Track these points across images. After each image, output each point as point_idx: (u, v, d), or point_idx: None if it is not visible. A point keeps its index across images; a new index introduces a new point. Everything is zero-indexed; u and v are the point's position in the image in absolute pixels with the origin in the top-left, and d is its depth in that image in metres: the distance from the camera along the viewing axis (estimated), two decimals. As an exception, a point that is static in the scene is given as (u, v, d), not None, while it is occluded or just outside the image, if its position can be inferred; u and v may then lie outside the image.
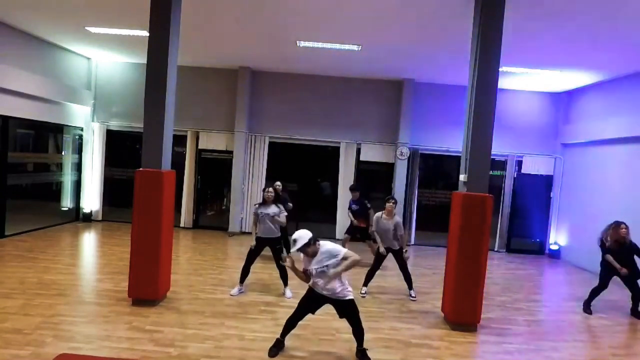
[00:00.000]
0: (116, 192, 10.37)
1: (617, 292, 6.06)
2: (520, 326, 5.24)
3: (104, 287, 5.58)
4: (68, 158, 9.84)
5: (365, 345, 4.07)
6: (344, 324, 4.14)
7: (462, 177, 5.06)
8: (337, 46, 7.25)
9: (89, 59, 9.86)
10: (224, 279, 6.26)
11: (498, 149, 8.04)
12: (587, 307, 5.92)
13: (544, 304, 6.38)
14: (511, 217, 9.95)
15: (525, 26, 5.68)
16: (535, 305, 6.18)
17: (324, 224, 10.13)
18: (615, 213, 6.45)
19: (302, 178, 10.42)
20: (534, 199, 10.00)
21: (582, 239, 8.41)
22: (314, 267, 3.90)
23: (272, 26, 6.56)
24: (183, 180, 9.87)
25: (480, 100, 4.85)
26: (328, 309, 4.08)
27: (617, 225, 5.76)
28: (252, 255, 5.67)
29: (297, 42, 7.19)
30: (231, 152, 9.86)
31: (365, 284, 6.05)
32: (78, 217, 9.94)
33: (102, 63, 10.04)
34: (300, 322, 4.15)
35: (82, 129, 9.92)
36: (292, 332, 4.17)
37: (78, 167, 9.94)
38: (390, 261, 6.26)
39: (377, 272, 6.14)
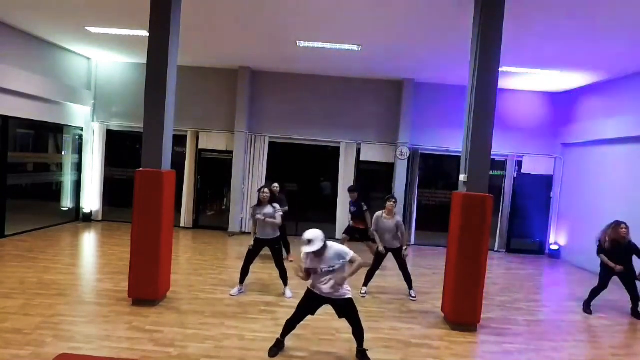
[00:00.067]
0: (116, 192, 10.37)
1: (617, 292, 6.06)
2: (520, 326, 5.24)
3: (104, 287, 5.58)
4: (68, 158, 9.84)
5: (365, 346, 4.07)
6: (344, 324, 4.14)
7: (462, 177, 5.06)
8: (337, 46, 7.25)
9: (89, 59, 9.86)
10: (224, 279, 6.26)
11: (498, 149, 8.04)
12: (587, 307, 5.92)
13: (544, 304, 6.38)
14: (511, 217, 9.95)
15: (525, 26, 5.68)
16: (535, 305, 6.18)
17: (323, 224, 10.11)
18: (615, 213, 6.45)
19: (302, 178, 10.41)
20: (534, 199, 10.01)
21: (582, 239, 8.41)
22: (321, 266, 3.88)
23: (272, 26, 6.56)
24: (183, 180, 9.87)
25: (480, 100, 4.85)
26: (328, 309, 4.08)
27: (617, 225, 5.76)
28: (251, 256, 5.67)
29: (297, 42, 7.19)
30: (231, 152, 9.86)
31: (365, 284, 6.05)
32: (78, 217, 9.94)
33: (102, 63, 10.04)
34: (300, 323, 4.15)
35: (82, 129, 9.92)
36: (292, 332, 4.16)
37: (78, 167, 9.94)
38: (390, 261, 6.26)
39: (377, 272, 6.14)
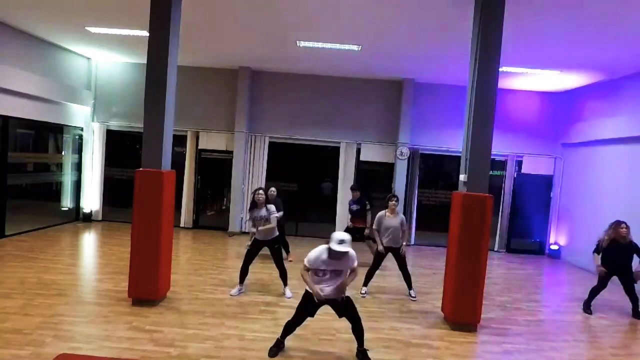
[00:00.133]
0: (116, 192, 10.37)
1: (617, 292, 6.05)
2: (520, 326, 5.24)
3: (104, 287, 5.58)
4: (68, 158, 9.84)
5: (365, 346, 4.07)
6: (344, 324, 4.15)
7: (462, 177, 5.06)
8: (337, 46, 7.25)
9: (89, 59, 9.86)
10: (224, 279, 6.26)
11: (498, 149, 8.05)
12: (587, 307, 5.92)
13: (544, 304, 6.38)
14: (511, 217, 9.95)
15: (525, 26, 5.69)
16: (535, 305, 6.18)
17: (323, 224, 10.12)
18: (615, 213, 6.45)
19: (302, 178, 10.41)
20: (534, 199, 10.01)
21: (582, 239, 8.41)
22: (337, 269, 3.89)
23: (272, 26, 6.56)
24: (183, 180, 9.87)
25: (480, 100, 4.85)
26: (328, 309, 4.08)
27: (617, 224, 5.76)
28: (250, 256, 5.67)
29: (297, 42, 7.19)
30: (231, 152, 9.86)
31: (365, 284, 6.05)
32: (78, 217, 9.94)
33: (102, 63, 10.04)
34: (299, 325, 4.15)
35: (82, 129, 9.92)
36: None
37: (78, 167, 9.94)
38: (390, 261, 6.26)
39: (377, 272, 6.14)
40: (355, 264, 3.97)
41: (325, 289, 3.92)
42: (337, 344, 4.37)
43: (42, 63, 8.44)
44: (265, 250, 5.81)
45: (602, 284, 5.88)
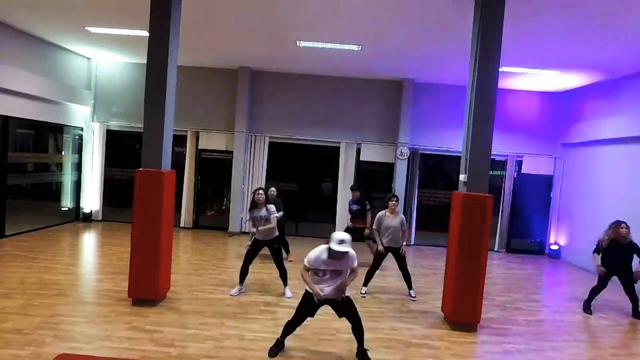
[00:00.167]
0: (116, 192, 10.37)
1: (617, 292, 6.05)
2: (520, 326, 5.24)
3: (104, 287, 5.58)
4: (68, 158, 9.84)
5: (365, 346, 4.07)
6: (344, 324, 4.15)
7: (462, 177, 5.06)
8: (337, 46, 7.25)
9: (89, 59, 9.86)
10: (224, 279, 6.26)
11: (498, 149, 8.05)
12: (587, 307, 5.92)
13: (544, 304, 6.38)
14: (511, 217, 9.95)
15: (525, 26, 5.69)
16: (535, 305, 6.18)
17: (323, 224, 10.12)
18: (615, 213, 6.45)
19: (302, 178, 10.41)
20: (534, 199, 10.01)
21: (582, 239, 8.41)
22: (337, 268, 3.90)
23: (272, 26, 6.56)
24: (183, 180, 9.87)
25: (480, 100, 4.85)
26: (327, 309, 4.08)
27: (617, 224, 5.76)
28: (250, 256, 5.67)
29: (297, 42, 7.19)
30: (231, 152, 9.86)
31: (365, 284, 6.05)
32: (78, 217, 9.94)
33: (102, 63, 10.04)
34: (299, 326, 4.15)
35: (82, 129, 9.92)
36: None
37: (78, 167, 9.94)
38: (390, 261, 6.26)
39: (377, 272, 6.14)
40: (355, 264, 3.97)
41: (325, 289, 3.92)
42: (337, 344, 4.37)
43: (42, 63, 8.44)
44: (265, 250, 5.81)
45: (602, 284, 5.88)
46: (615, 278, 5.84)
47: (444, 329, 4.99)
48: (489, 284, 5.93)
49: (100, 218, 10.04)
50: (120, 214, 10.02)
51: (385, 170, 10.09)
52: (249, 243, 5.69)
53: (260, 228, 5.54)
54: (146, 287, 4.96)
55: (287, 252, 7.55)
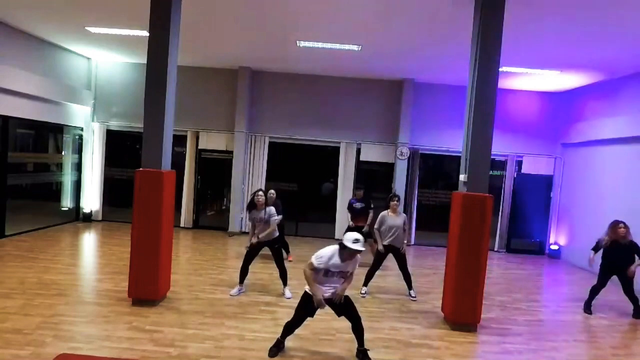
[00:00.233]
0: (116, 192, 10.37)
1: (617, 292, 6.04)
2: (520, 326, 5.24)
3: (104, 287, 5.58)
4: (68, 158, 9.84)
5: (365, 346, 4.07)
6: (344, 324, 4.15)
7: (462, 177, 5.06)
8: (337, 46, 7.25)
9: (89, 59, 9.86)
10: (224, 279, 6.26)
11: (498, 149, 8.06)
12: (587, 307, 5.91)
13: (544, 304, 6.38)
14: (511, 217, 9.95)
15: (525, 26, 5.69)
16: (535, 305, 6.19)
17: (323, 224, 10.13)
18: (615, 213, 6.44)
19: (302, 178, 10.41)
20: (534, 199, 10.01)
21: (582, 239, 8.41)
22: (340, 270, 3.91)
23: (272, 26, 6.56)
24: (183, 180, 9.87)
25: (480, 100, 4.85)
26: (327, 309, 4.07)
27: (615, 224, 5.76)
28: (250, 256, 5.68)
29: (297, 42, 7.19)
30: (231, 152, 9.86)
31: (365, 284, 6.06)
32: (78, 217, 9.94)
33: (102, 63, 10.04)
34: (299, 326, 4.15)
35: (82, 129, 9.92)
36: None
37: (78, 167, 9.94)
38: (390, 261, 6.27)
39: (377, 272, 6.14)
40: (356, 267, 4.03)
41: (328, 290, 3.93)
42: (337, 344, 4.37)
43: (42, 63, 8.44)
44: (265, 250, 5.81)
45: (601, 283, 5.88)
46: (614, 278, 5.84)
47: (444, 329, 4.99)
48: (489, 284, 5.92)
49: (100, 218, 10.04)
50: (120, 214, 10.02)
51: (385, 170, 10.09)
52: (248, 246, 5.68)
53: (261, 235, 5.56)
54: (146, 287, 4.96)
55: (287, 252, 7.54)
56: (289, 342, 4.19)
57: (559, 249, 9.61)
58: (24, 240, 7.74)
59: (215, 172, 10.49)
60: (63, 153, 9.84)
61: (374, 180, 10.69)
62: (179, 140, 9.58)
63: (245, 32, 6.96)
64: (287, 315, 4.25)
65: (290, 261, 7.30)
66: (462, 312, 4.91)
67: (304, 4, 5.60)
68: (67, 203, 9.82)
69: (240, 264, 5.77)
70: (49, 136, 9.67)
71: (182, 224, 9.91)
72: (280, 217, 6.22)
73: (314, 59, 8.33)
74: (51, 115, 8.82)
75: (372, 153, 9.94)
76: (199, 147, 10.01)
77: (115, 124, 10.05)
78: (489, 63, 4.83)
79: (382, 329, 4.83)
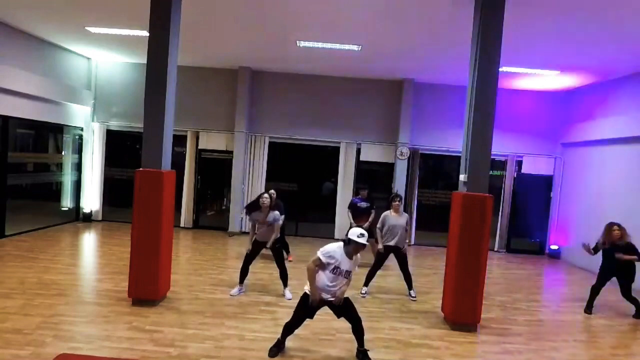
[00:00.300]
0: (116, 192, 10.37)
1: (617, 292, 6.04)
2: (520, 326, 5.24)
3: (104, 287, 5.58)
4: (68, 158, 9.84)
5: (365, 346, 4.07)
6: (344, 324, 4.14)
7: (462, 177, 5.06)
8: (337, 46, 7.25)
9: (89, 59, 9.86)
10: (224, 279, 6.26)
11: (498, 149, 8.05)
12: (589, 307, 5.90)
13: (544, 304, 6.38)
14: (511, 217, 9.95)
15: (525, 26, 5.69)
16: (535, 305, 6.19)
17: (323, 224, 10.13)
18: (615, 213, 6.45)
19: (302, 178, 10.41)
20: (534, 199, 10.01)
21: (582, 239, 8.34)
22: (345, 268, 3.92)
23: (272, 26, 6.56)
24: (183, 180, 9.87)
25: (480, 100, 4.85)
26: (327, 309, 4.08)
27: (609, 227, 5.74)
28: (250, 257, 5.68)
29: (297, 42, 7.19)
30: (231, 152, 9.86)
31: (366, 284, 6.06)
32: (78, 217, 9.94)
33: (102, 63, 10.04)
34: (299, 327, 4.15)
35: (82, 129, 9.92)
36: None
37: (78, 167, 9.94)
38: (390, 261, 6.26)
39: (378, 272, 6.14)
40: (356, 269, 4.05)
41: (332, 290, 3.91)
42: (337, 344, 4.37)
43: (42, 63, 8.44)
44: (266, 250, 5.80)
45: (601, 282, 5.87)
46: (614, 279, 5.83)
47: (444, 329, 4.99)
48: (489, 284, 5.93)
49: (100, 218, 10.04)
50: (120, 214, 10.02)
51: (385, 170, 10.09)
52: (249, 249, 5.67)
53: (261, 239, 5.58)
54: (146, 287, 4.96)
55: (287, 252, 7.54)
56: (289, 342, 4.19)
57: (559, 249, 9.61)
58: (24, 240, 7.74)
59: (215, 172, 10.49)
60: (63, 153, 9.85)
61: (374, 181, 10.68)
62: (179, 140, 9.58)
63: (245, 32, 6.96)
64: (287, 315, 4.25)
65: (290, 261, 7.30)
66: (462, 312, 4.91)
67: (304, 4, 5.60)
68: (67, 203, 9.82)
69: (240, 264, 5.77)
70: (49, 136, 9.68)
71: (182, 224, 9.91)
72: (282, 217, 6.25)
73: (314, 59, 8.33)
74: (51, 115, 8.82)
75: (372, 153, 9.94)
76: (199, 147, 10.01)
77: (115, 124, 10.05)
78: (489, 63, 4.83)
79: (382, 329, 4.83)
